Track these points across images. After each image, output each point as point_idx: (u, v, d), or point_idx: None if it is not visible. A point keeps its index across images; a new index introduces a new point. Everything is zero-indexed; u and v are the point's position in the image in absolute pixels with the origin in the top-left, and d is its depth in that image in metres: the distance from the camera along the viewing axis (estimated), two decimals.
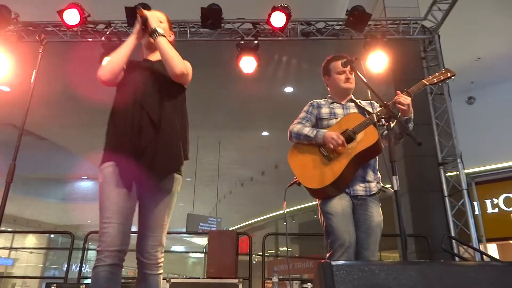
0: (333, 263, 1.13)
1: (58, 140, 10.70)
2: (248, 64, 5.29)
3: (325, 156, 2.34)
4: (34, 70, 2.39)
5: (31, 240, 17.91)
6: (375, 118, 2.27)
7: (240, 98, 7.94)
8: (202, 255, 21.43)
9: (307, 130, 2.43)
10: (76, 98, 7.55)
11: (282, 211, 14.78)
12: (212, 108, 8.37)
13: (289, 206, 14.16)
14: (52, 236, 19.86)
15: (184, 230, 11.58)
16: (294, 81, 7.52)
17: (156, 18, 2.15)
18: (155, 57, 2.18)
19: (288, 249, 14.43)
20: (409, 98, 2.30)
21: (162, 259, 1.92)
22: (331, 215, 2.27)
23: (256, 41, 5.31)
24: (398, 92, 2.33)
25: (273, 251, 15.97)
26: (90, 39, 5.47)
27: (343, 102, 2.58)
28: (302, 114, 2.60)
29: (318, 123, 2.54)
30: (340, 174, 2.24)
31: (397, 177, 1.83)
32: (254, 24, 5.36)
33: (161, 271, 1.92)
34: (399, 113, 2.29)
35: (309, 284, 4.11)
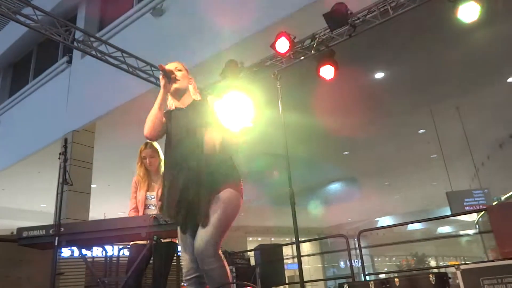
0: None
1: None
2: (470, 11, 4.57)
3: None
4: (279, 102, 2.69)
5: (306, 245, 20.33)
6: None
7: (469, 51, 6.90)
8: (472, 231, 19.37)
9: None
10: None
11: None
12: (440, 75, 7.57)
13: None
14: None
15: (446, 210, 10.70)
16: None
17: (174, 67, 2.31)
18: (182, 103, 2.30)
19: None
20: None
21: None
22: None
23: None
24: None
25: None
26: (302, 58, 5.84)
27: None
28: None
29: None
30: None
31: None
32: None
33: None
34: None
35: None
